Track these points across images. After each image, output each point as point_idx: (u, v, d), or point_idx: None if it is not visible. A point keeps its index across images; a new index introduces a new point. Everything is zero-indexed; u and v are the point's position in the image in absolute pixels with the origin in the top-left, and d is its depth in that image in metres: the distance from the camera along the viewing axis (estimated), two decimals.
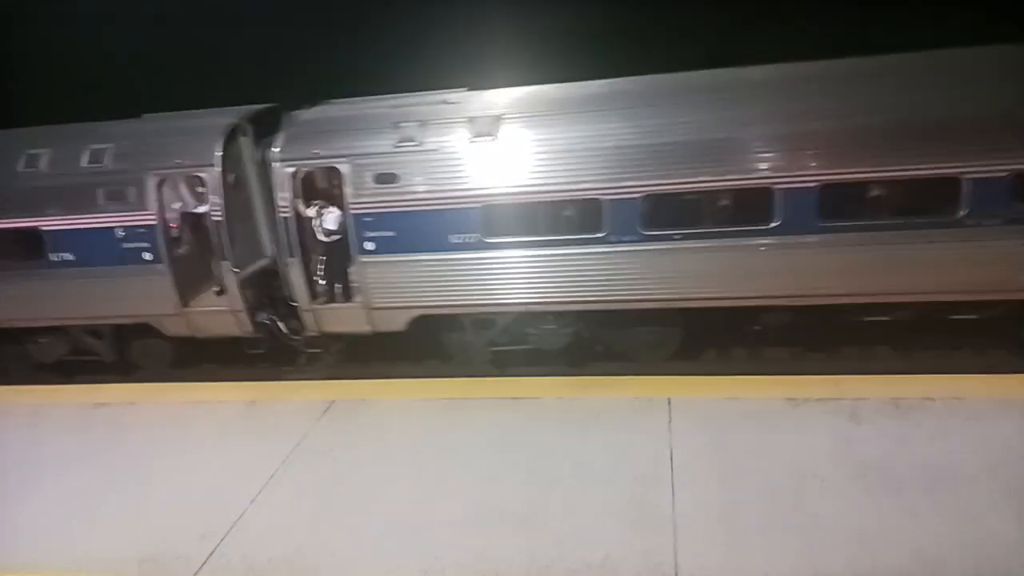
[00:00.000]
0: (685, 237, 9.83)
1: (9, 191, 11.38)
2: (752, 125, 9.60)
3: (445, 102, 10.82)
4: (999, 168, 8.91)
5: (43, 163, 11.30)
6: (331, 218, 10.78)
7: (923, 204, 9.30)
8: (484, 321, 11.18)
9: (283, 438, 9.11)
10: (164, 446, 9.26)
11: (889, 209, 9.51)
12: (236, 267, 10.97)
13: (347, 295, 11.09)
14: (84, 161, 11.14)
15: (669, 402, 8.91)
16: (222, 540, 7.28)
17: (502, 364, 11.45)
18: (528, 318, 10.92)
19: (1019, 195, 8.98)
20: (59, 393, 11.25)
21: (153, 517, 7.80)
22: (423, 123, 10.37)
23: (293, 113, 11.28)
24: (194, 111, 11.90)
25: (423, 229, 10.30)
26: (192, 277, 11.47)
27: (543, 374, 10.69)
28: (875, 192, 9.55)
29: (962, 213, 9.07)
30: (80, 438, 9.71)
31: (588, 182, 9.79)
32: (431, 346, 11.73)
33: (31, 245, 11.39)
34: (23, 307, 11.87)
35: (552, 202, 10.03)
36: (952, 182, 9.00)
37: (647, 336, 11.11)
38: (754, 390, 9.05)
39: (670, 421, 8.54)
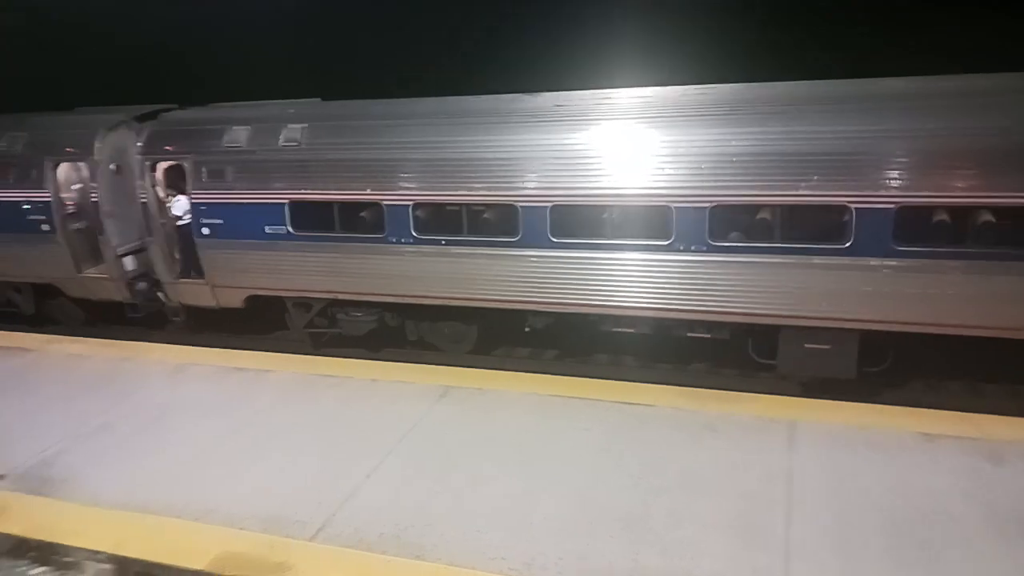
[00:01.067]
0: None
1: None
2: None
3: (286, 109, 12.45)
4: None
5: None
6: (177, 205, 12.79)
7: None
8: (304, 304, 12.68)
9: (401, 418, 9.45)
10: (292, 414, 9.81)
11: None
12: (114, 244, 13.13)
13: (199, 273, 12.81)
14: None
15: (792, 424, 8.61)
16: (337, 511, 7.63)
17: (317, 344, 13.16)
18: (338, 304, 12.42)
19: None
20: (201, 354, 12.12)
21: (277, 480, 8.27)
22: (251, 127, 12.11)
23: (166, 114, 13.33)
24: (107, 107, 14.17)
25: (243, 220, 12.04)
26: (89, 249, 13.66)
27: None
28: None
29: None
30: (217, 398, 10.44)
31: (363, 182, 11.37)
32: (548, 340, 11.85)
33: None
34: None
35: (343, 202, 11.56)
36: None
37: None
38: (885, 420, 8.60)
39: (791, 443, 8.24)
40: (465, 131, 11.00)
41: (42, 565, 7.54)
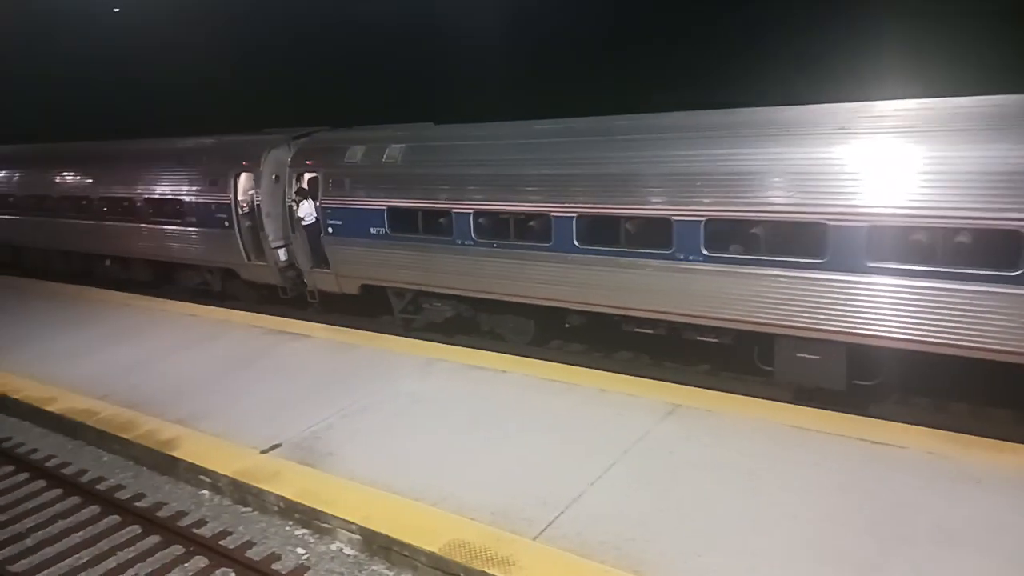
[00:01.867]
0: None
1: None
2: None
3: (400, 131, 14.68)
4: None
5: None
6: (301, 208, 15.39)
7: None
8: (399, 293, 14.69)
9: (627, 430, 9.52)
10: (524, 415, 10.27)
11: None
12: (270, 239, 16.08)
13: (327, 264, 15.26)
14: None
15: None
16: (562, 512, 7.87)
17: (408, 328, 15.00)
18: (423, 296, 14.38)
19: None
20: (447, 351, 13.07)
21: (508, 476, 8.71)
22: (364, 146, 14.55)
23: (316, 135, 16.17)
24: (286, 128, 17.03)
25: (356, 222, 14.43)
26: (255, 243, 16.54)
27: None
28: None
29: None
30: (459, 393, 11.22)
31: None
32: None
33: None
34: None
35: (425, 209, 13.47)
36: None
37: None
38: None
39: None
40: (513, 150, 12.68)
41: (305, 528, 8.61)
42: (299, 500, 8.67)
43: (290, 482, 9.04)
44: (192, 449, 10.12)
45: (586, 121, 12.59)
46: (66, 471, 10.53)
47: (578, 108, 13.43)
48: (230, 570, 8.05)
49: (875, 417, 9.55)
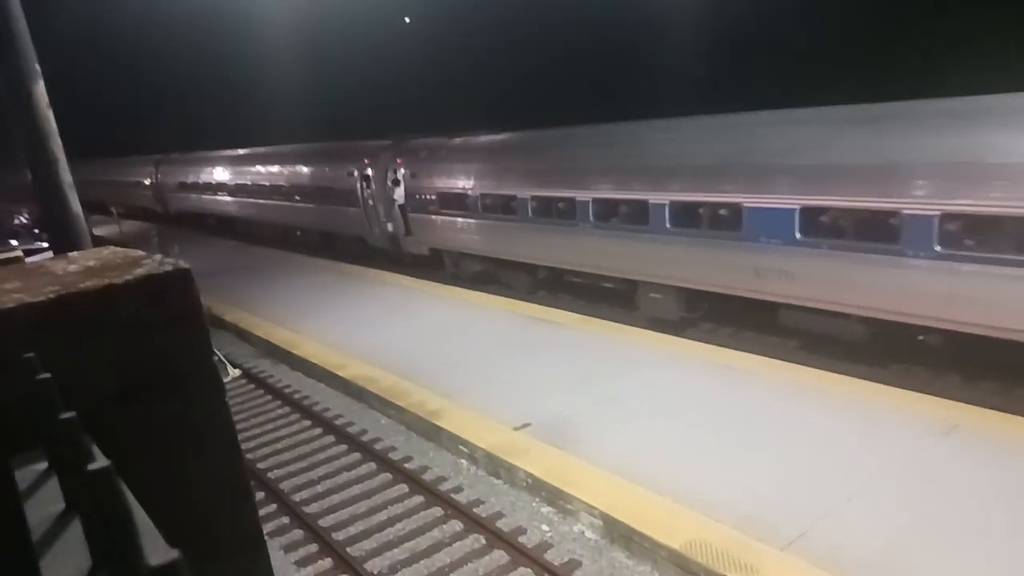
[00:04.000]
0: None
1: None
2: None
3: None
4: None
5: None
6: (396, 193, 21.60)
7: None
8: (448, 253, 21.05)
9: (893, 446, 8.74)
10: (777, 419, 9.82)
11: None
12: (380, 215, 22.61)
13: (412, 234, 21.70)
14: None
15: None
16: (813, 525, 7.44)
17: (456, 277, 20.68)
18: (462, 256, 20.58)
19: None
20: (691, 347, 12.86)
21: (757, 481, 8.40)
22: (426, 151, 21.34)
23: (402, 141, 22.56)
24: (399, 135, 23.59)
25: (425, 202, 20.80)
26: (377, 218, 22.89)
27: None
28: None
29: None
30: (708, 390, 11.01)
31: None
32: None
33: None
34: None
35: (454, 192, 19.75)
36: None
37: None
38: None
39: None
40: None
41: (550, 506, 9.00)
42: (546, 479, 9.08)
43: (538, 460, 9.49)
44: (455, 420, 11.01)
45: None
46: (351, 430, 11.98)
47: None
48: (481, 536, 8.67)
49: None
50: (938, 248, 10.05)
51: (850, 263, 11.07)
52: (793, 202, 11.69)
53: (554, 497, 8.95)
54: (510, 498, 9.39)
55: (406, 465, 10.55)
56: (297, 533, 9.30)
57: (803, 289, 11.85)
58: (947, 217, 9.99)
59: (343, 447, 11.45)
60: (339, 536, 9.04)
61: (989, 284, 9.63)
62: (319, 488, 10.32)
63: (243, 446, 11.64)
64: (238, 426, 12.39)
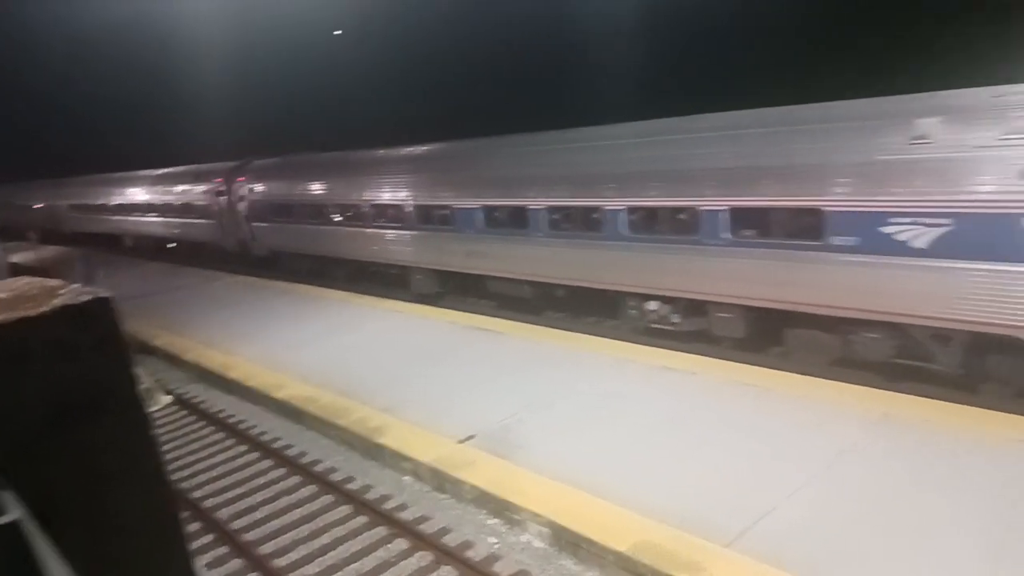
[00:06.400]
0: None
1: None
2: None
3: None
4: None
5: None
6: (241, 205, 26.78)
7: None
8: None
9: (830, 440, 8.98)
10: (716, 418, 10.00)
11: None
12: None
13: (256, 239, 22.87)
14: None
15: None
16: (756, 522, 7.57)
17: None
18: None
19: None
20: (636, 351, 12.99)
21: (698, 480, 8.52)
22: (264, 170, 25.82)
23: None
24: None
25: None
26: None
27: None
28: None
29: None
30: (649, 394, 11.14)
31: None
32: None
33: None
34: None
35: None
36: None
37: None
38: None
39: None
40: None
41: (497, 517, 8.94)
42: (492, 490, 9.02)
43: (483, 472, 9.43)
44: (396, 436, 10.85)
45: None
46: (289, 452, 11.69)
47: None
48: (428, 553, 8.55)
49: None
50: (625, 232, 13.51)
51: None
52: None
53: (501, 508, 8.90)
54: (456, 512, 9.29)
55: (348, 485, 10.34)
56: (236, 563, 8.99)
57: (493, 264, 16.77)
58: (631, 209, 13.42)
59: (282, 470, 11.15)
60: (280, 563, 8.78)
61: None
62: (258, 514, 10.02)
63: (177, 475, 11.27)
64: (170, 455, 12.01)
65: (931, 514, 7.33)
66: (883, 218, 9.96)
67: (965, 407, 9.43)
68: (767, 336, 12.59)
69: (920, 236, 9.66)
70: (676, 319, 13.40)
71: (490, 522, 8.93)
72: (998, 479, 7.72)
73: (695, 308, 13.10)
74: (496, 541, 8.57)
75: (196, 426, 13.38)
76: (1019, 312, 9.06)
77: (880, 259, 10.08)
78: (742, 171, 11.66)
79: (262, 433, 12.62)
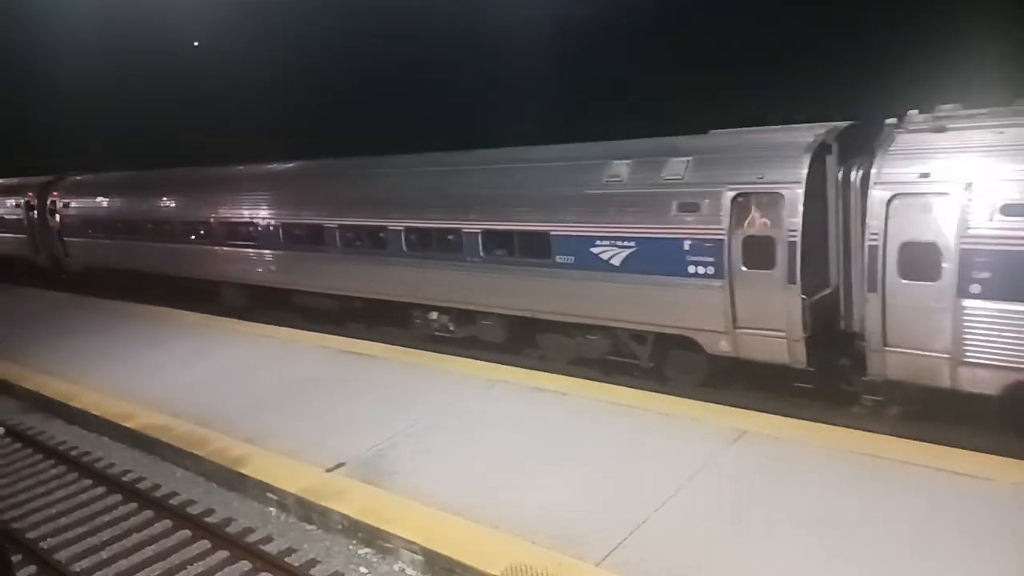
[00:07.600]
0: None
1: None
2: None
3: None
4: None
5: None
6: (53, 221, 24.96)
7: None
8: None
9: (693, 455, 9.32)
10: (585, 438, 10.17)
11: None
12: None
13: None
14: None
15: None
16: (625, 538, 7.73)
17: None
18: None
19: None
20: (508, 372, 13.05)
21: (568, 499, 8.61)
22: (78, 186, 25.89)
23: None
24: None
25: None
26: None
27: None
28: None
29: None
30: (521, 414, 11.18)
31: None
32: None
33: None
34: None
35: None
36: None
37: None
38: None
39: None
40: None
41: (368, 547, 8.67)
42: (362, 519, 8.74)
43: (354, 501, 9.13)
44: (260, 466, 10.33)
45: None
46: (141, 485, 10.87)
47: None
48: None
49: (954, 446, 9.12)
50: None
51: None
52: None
53: (372, 537, 8.63)
54: (325, 543, 8.93)
55: (207, 519, 9.72)
56: None
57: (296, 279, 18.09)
58: (410, 231, 15.09)
59: (132, 506, 10.34)
60: None
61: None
62: (104, 554, 9.22)
63: (8, 514, 10.22)
64: (1, 492, 10.89)
65: (778, 517, 7.74)
66: (591, 241, 12.31)
67: (815, 424, 10.06)
68: (524, 340, 14.49)
69: (616, 256, 12.10)
70: (452, 327, 15.24)
71: (361, 551, 8.64)
72: (830, 488, 8.27)
73: (465, 317, 14.88)
74: (367, 571, 8.30)
75: (32, 460, 12.22)
76: (689, 316, 11.42)
77: (590, 274, 12.43)
78: (491, 199, 13.89)
79: (109, 466, 11.68)
